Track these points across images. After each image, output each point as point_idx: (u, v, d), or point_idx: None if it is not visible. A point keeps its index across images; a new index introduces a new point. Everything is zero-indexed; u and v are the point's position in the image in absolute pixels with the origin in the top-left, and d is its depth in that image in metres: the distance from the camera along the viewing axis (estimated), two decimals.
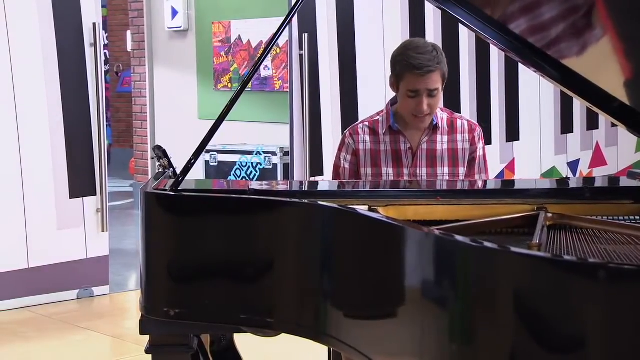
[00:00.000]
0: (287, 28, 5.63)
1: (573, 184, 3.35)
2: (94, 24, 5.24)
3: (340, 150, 3.19)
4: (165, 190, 2.39)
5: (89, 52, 5.25)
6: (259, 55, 2.61)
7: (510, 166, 6.93)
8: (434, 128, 3.12)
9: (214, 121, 2.62)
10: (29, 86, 5.03)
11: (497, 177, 6.82)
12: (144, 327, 2.39)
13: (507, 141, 6.90)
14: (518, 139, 6.99)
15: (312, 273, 2.16)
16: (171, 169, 2.78)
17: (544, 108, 7.15)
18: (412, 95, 3.00)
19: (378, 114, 3.19)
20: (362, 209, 2.44)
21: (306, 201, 2.22)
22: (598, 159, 7.74)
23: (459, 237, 1.77)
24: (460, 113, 6.36)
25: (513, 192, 2.72)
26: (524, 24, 2.55)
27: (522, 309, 1.66)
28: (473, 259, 1.74)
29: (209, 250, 2.30)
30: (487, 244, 1.69)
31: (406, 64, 2.98)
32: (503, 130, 6.87)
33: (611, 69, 2.51)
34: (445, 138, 3.13)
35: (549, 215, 2.44)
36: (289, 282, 2.21)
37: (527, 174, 6.95)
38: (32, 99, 5.05)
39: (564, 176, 7.34)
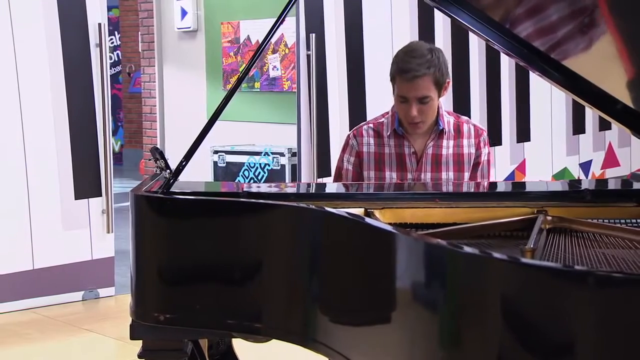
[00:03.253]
0: (295, 28, 5.61)
1: (585, 185, 3.29)
2: (100, 25, 5.21)
3: (343, 151, 3.15)
4: (156, 192, 2.36)
5: (94, 52, 5.22)
6: (252, 54, 2.56)
7: (521, 167, 6.87)
8: (440, 133, 3.06)
9: (216, 121, 2.56)
10: (34, 87, 5.01)
11: (507, 178, 6.76)
12: (135, 332, 2.36)
13: (517, 142, 6.84)
14: (529, 140, 6.92)
15: (301, 277, 2.12)
16: (168, 171, 2.74)
17: (556, 108, 7.08)
18: (402, 100, 2.96)
19: (383, 116, 3.14)
20: (358, 211, 2.40)
21: (294, 204, 2.18)
22: (611, 160, 7.66)
23: (448, 243, 1.72)
24: (470, 113, 6.37)
25: (513, 194, 2.68)
26: (527, 26, 2.51)
27: (511, 316, 1.62)
28: (462, 266, 1.70)
29: (198, 253, 2.27)
30: (476, 251, 1.65)
31: (396, 68, 2.94)
32: (514, 131, 6.81)
33: (614, 71, 2.47)
34: (451, 143, 3.07)
35: (549, 218, 2.39)
36: (277, 286, 2.18)
37: (538, 175, 6.88)
38: (37, 100, 5.03)
39: (576, 177, 7.27)
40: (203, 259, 2.27)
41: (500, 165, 6.69)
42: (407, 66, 2.89)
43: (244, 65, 7.74)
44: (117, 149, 12.31)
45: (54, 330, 4.78)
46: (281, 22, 2.55)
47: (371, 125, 3.12)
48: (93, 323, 4.90)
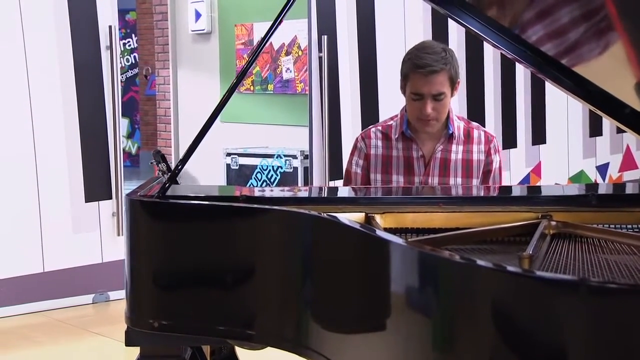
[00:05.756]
0: (307, 30, 5.58)
1: (602, 189, 3.24)
2: (110, 27, 5.20)
3: (352, 154, 3.11)
4: (152, 196, 2.33)
5: (105, 55, 5.21)
6: (250, 54, 2.52)
7: (537, 170, 6.79)
8: (450, 137, 3.02)
9: (213, 123, 2.53)
10: (44, 90, 5.01)
11: (522, 181, 6.68)
12: (129, 339, 2.34)
13: (533, 144, 6.76)
14: (545, 142, 6.84)
15: (293, 284, 2.09)
16: (168, 174, 2.72)
17: (572, 110, 6.99)
18: (416, 98, 2.92)
19: (392, 118, 3.11)
20: (358, 216, 2.37)
21: (285, 208, 2.14)
22: (628, 163, 7.56)
23: (439, 251, 1.69)
24: (485, 114, 6.30)
25: (518, 199, 2.62)
26: (536, 31, 2.47)
27: (502, 322, 1.59)
28: (453, 274, 1.67)
29: (191, 259, 2.24)
30: (466, 259, 1.61)
31: (411, 64, 2.90)
32: (529, 133, 6.73)
33: (622, 74, 2.43)
34: (461, 148, 3.03)
35: (553, 223, 2.35)
36: (270, 292, 2.14)
37: (554, 178, 6.80)
38: (47, 103, 5.03)
39: (593, 180, 7.18)
40: (197, 264, 2.24)
41: (515, 168, 6.62)
42: (423, 62, 2.86)
43: (257, 68, 7.72)
44: (134, 151, 12.33)
45: (63, 334, 4.76)
46: (279, 23, 2.50)
47: (379, 127, 3.09)
48: (103, 326, 4.88)
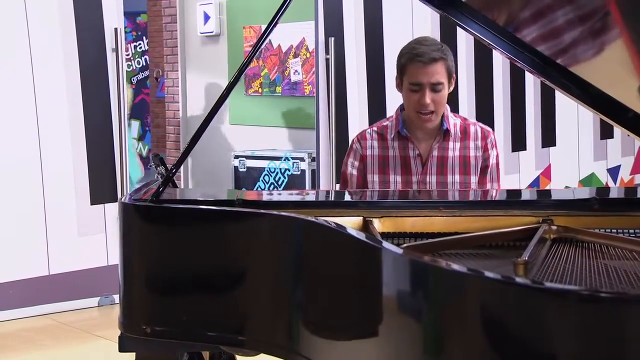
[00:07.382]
0: (314, 32, 5.55)
1: (613, 193, 3.20)
2: (116, 29, 5.19)
3: (348, 156, 3.09)
4: (146, 200, 2.30)
5: (110, 57, 5.20)
6: (249, 54, 2.49)
7: (546, 172, 6.73)
8: (445, 134, 3.00)
9: (208, 125, 2.49)
10: (50, 92, 5.00)
11: (532, 183, 6.63)
12: (123, 345, 2.31)
13: (542, 147, 6.70)
14: (554, 145, 6.78)
15: (285, 289, 2.05)
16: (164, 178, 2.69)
17: (582, 112, 6.92)
18: (415, 88, 2.90)
19: (387, 119, 3.10)
20: (356, 220, 2.33)
21: (277, 213, 2.10)
22: None
23: (429, 259, 1.66)
24: (494, 116, 6.25)
25: (519, 203, 2.58)
26: (535, 31, 2.44)
27: (492, 328, 1.57)
28: (443, 281, 1.64)
29: (184, 264, 2.21)
30: (457, 267, 1.58)
31: (409, 55, 2.91)
32: (539, 135, 6.68)
33: (626, 77, 2.39)
34: (457, 145, 3.00)
35: (554, 228, 2.31)
36: (262, 298, 2.11)
37: (565, 181, 6.74)
38: (53, 106, 5.02)
39: (604, 183, 7.11)
40: (189, 269, 2.21)
41: (525, 171, 6.56)
42: (420, 51, 2.88)
43: (265, 70, 7.69)
44: (144, 153, 12.32)
45: (68, 337, 4.75)
46: (276, 23, 2.47)
47: (375, 128, 3.07)
48: (108, 329, 4.86)
